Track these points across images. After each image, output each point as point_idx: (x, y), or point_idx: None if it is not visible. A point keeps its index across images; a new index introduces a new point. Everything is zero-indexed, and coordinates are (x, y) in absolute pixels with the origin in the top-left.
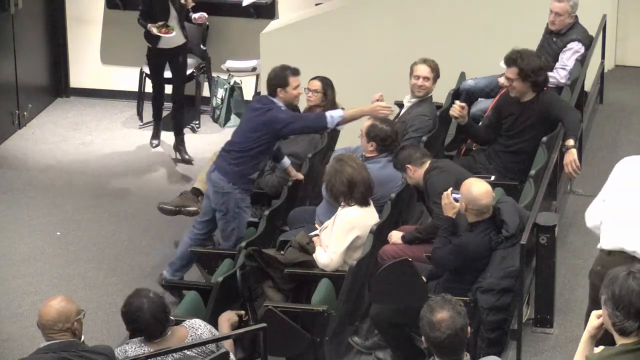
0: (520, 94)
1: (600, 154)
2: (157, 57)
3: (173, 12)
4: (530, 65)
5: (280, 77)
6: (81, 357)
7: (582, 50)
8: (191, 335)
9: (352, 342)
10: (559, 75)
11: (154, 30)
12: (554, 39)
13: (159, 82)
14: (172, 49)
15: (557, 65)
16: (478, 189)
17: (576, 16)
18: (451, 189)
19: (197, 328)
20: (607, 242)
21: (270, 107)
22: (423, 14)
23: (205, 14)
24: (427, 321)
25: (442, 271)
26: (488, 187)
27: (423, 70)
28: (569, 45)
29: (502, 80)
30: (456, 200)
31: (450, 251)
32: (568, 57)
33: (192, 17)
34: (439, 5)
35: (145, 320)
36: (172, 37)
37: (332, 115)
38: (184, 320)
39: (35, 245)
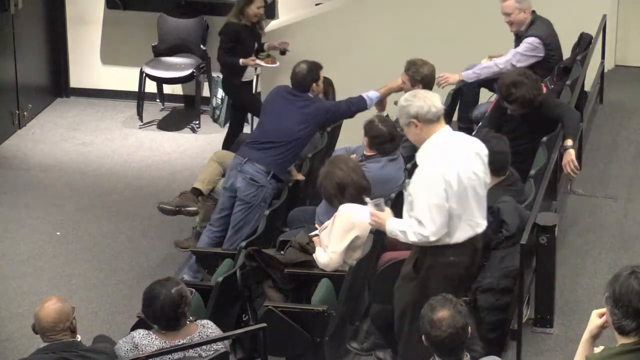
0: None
1: (600, 154)
2: (239, 92)
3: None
4: (502, 94)
5: (315, 73)
6: (82, 357)
7: (539, 45)
8: (199, 332)
9: (350, 347)
10: (498, 61)
11: (260, 62)
12: (520, 44)
13: (241, 118)
14: (250, 82)
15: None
16: None
17: (533, 12)
18: None
19: (208, 327)
20: (460, 235)
21: (312, 99)
22: (422, 15)
23: (287, 41)
24: (428, 320)
25: None
26: None
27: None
28: (524, 40)
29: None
30: None
31: None
32: (518, 57)
33: (267, 45)
34: (438, 5)
35: (155, 310)
36: (252, 69)
37: (370, 97)
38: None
39: (35, 245)
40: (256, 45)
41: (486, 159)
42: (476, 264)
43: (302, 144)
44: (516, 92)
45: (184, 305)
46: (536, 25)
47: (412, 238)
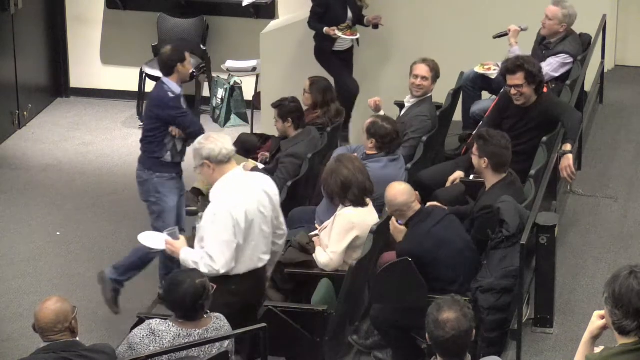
0: (527, 100)
1: (600, 154)
2: (327, 60)
3: (349, 14)
4: (536, 67)
5: (179, 53)
6: (82, 357)
7: (570, 63)
8: (214, 323)
9: (351, 340)
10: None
11: (338, 33)
12: (543, 52)
13: (347, 75)
14: (344, 52)
15: (544, 64)
16: (391, 190)
17: (570, 29)
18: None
19: (221, 320)
20: (242, 267)
21: (161, 89)
22: (422, 15)
23: (380, 15)
24: (432, 319)
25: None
26: (403, 185)
27: (422, 69)
28: (560, 55)
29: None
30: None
31: None
32: (554, 66)
33: (366, 19)
34: (437, 5)
35: (177, 296)
36: (346, 40)
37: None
38: None
39: (35, 245)
40: (349, 15)
41: (276, 197)
42: (260, 293)
43: (160, 136)
44: (524, 62)
45: (205, 297)
46: (568, 42)
47: (203, 269)
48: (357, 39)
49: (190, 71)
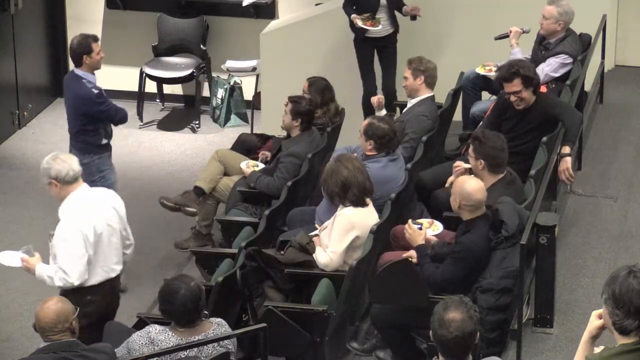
0: (527, 103)
1: (600, 154)
2: (365, 47)
3: (383, 1)
4: (531, 70)
5: (84, 45)
6: (82, 357)
7: (570, 64)
8: (213, 329)
9: (350, 347)
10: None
11: (359, 22)
12: (543, 52)
13: (368, 73)
14: (381, 39)
15: (544, 65)
16: (471, 184)
17: (569, 29)
18: (410, 220)
19: (222, 326)
20: (95, 278)
21: (87, 95)
22: (422, 14)
23: (418, 7)
24: (438, 317)
25: (448, 289)
26: (481, 183)
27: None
28: (560, 55)
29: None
30: (419, 229)
31: (454, 261)
32: (554, 67)
33: (404, 9)
34: (438, 5)
35: (176, 305)
36: (380, 27)
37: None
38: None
39: (35, 245)
40: (383, 1)
41: (122, 211)
42: (114, 302)
43: (91, 125)
44: (519, 68)
45: (203, 299)
46: (567, 42)
47: (58, 283)
48: (397, 26)
49: (100, 59)
